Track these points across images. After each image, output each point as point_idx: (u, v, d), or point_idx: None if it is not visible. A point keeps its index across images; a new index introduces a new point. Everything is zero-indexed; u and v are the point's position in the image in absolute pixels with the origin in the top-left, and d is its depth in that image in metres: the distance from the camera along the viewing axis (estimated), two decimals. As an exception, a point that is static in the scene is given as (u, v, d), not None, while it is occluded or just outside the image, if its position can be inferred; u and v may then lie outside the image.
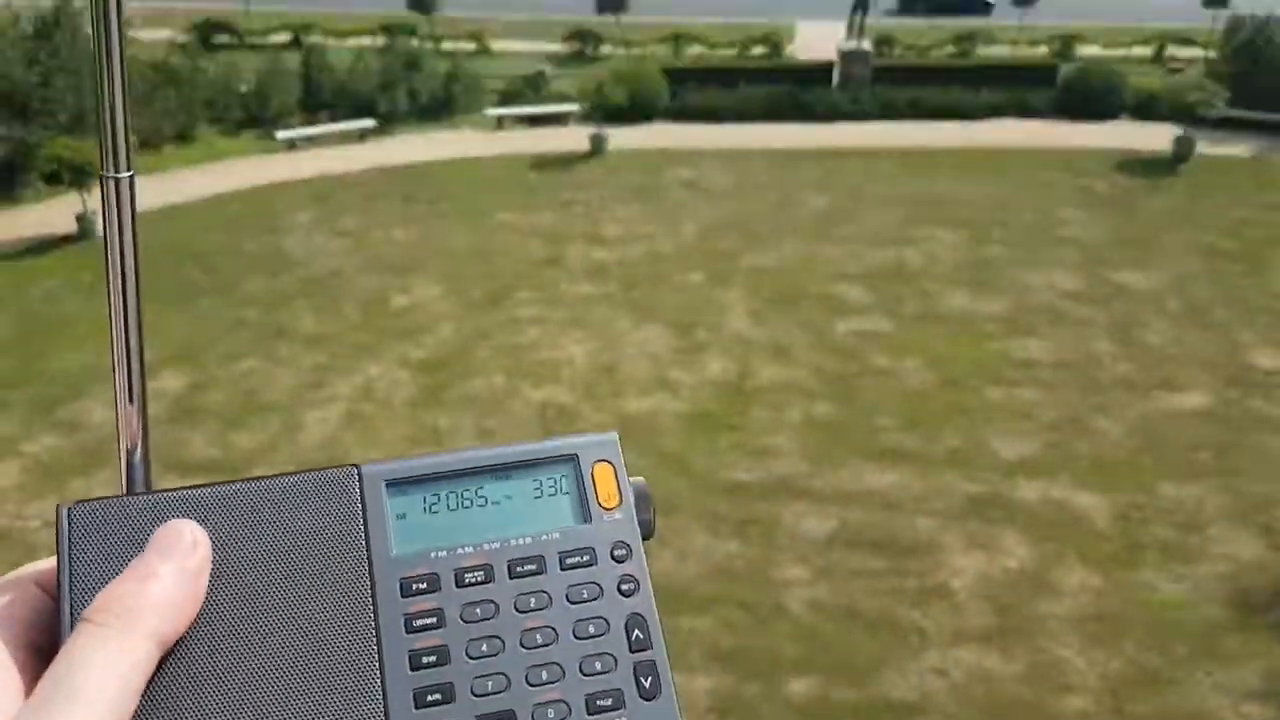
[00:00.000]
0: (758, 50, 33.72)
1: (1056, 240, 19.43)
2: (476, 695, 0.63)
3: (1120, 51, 32.17)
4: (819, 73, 29.10)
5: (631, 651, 0.66)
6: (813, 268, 18.35)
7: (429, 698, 0.62)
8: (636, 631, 0.67)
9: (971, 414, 13.60)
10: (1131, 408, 13.74)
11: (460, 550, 0.67)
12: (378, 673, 0.62)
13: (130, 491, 0.68)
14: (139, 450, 0.69)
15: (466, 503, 0.69)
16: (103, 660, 0.55)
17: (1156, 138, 24.33)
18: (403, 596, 0.65)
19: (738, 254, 18.92)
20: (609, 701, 0.65)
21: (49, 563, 0.64)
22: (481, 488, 0.70)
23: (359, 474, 0.68)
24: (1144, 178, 22.64)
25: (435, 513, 0.69)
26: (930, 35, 33.99)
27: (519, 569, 0.67)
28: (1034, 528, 11.21)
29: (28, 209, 21.16)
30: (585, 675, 0.65)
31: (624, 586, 0.68)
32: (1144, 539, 11.02)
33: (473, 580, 0.66)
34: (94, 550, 0.61)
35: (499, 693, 0.63)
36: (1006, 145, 24.83)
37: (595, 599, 0.67)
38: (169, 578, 0.59)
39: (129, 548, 0.61)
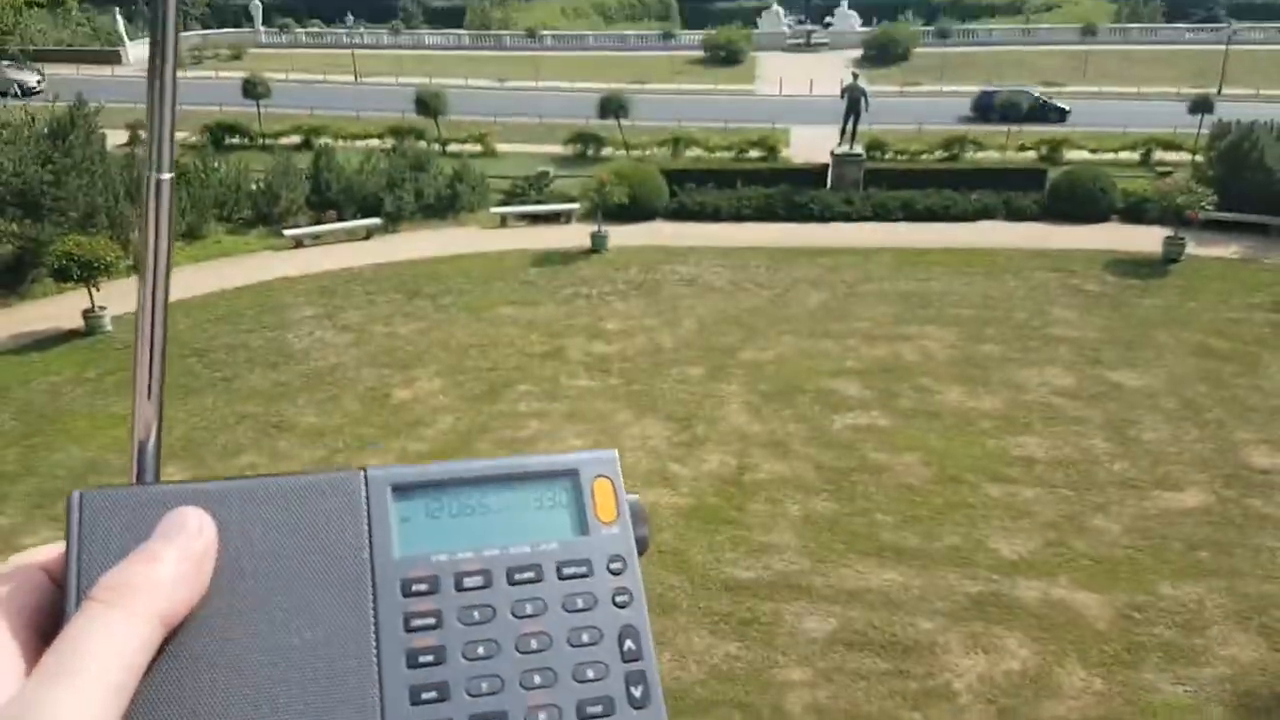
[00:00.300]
0: (754, 153, 34.48)
1: (1049, 339, 19.65)
2: (471, 695, 0.65)
3: (1108, 155, 32.93)
4: (813, 175, 29.75)
5: (624, 661, 0.68)
6: (810, 362, 18.54)
7: (424, 695, 0.64)
8: (629, 642, 0.69)
9: (970, 511, 13.64)
10: (1129, 506, 13.79)
11: (461, 555, 0.69)
12: (375, 668, 0.64)
13: (140, 482, 0.70)
14: (151, 443, 0.71)
15: (469, 510, 0.71)
16: (106, 637, 0.56)
17: (1146, 239, 24.77)
18: (403, 596, 0.67)
19: (736, 348, 19.13)
20: (599, 708, 0.66)
21: (56, 548, 0.65)
22: (484, 496, 0.72)
23: (365, 477, 0.70)
24: (1135, 278, 22.98)
25: (438, 518, 0.70)
26: (920, 140, 34.81)
27: (517, 576, 0.69)
28: (1035, 628, 11.17)
29: (37, 304, 21.42)
30: (578, 682, 0.67)
31: (618, 598, 0.70)
32: (1145, 640, 10.99)
33: (472, 585, 0.68)
34: (102, 536, 0.63)
35: (493, 694, 0.65)
36: (997, 246, 25.25)
37: (590, 609, 0.69)
38: (173, 560, 0.61)
39: (136, 534, 0.63)
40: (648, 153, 34.91)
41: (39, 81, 40.76)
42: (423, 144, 33.29)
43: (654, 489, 13.67)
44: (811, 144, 33.85)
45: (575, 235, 25.98)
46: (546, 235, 26.65)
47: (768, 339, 19.62)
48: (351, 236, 26.44)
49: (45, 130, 22.81)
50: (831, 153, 30.02)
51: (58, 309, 20.41)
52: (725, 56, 56.33)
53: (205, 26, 63.82)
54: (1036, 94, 41.37)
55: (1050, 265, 23.75)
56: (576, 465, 0.74)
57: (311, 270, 23.60)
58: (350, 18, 54.90)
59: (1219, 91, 39.47)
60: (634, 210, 26.68)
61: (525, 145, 36.87)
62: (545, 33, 62.28)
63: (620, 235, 25.51)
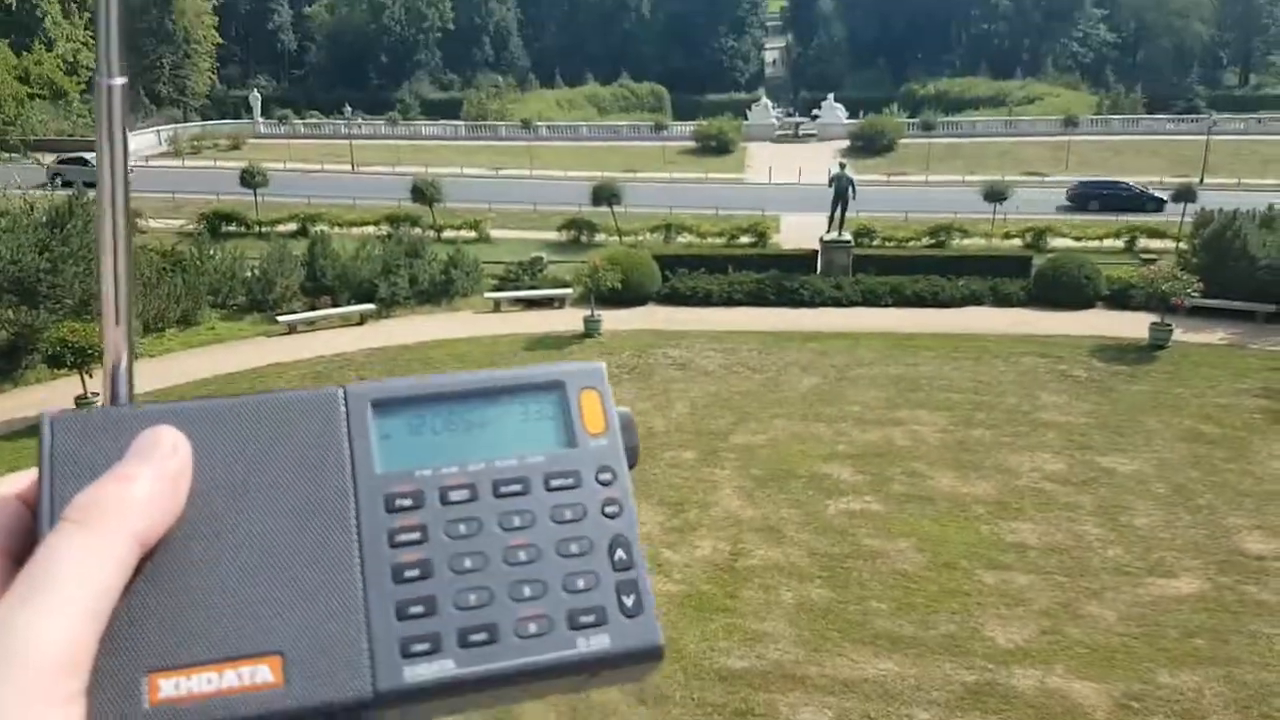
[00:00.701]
0: (745, 239, 34.96)
1: (1039, 424, 19.72)
2: (459, 608, 0.64)
3: (1092, 243, 33.45)
4: (803, 261, 30.16)
5: (615, 571, 0.67)
6: (802, 446, 18.56)
7: (410, 610, 0.63)
8: (619, 552, 0.68)
9: (965, 598, 13.55)
10: (1124, 593, 13.70)
11: (445, 470, 0.68)
12: (359, 585, 0.63)
13: (114, 403, 0.68)
14: (123, 367, 0.69)
15: (452, 425, 0.70)
16: (80, 556, 0.55)
17: (1132, 325, 25.03)
18: (386, 512, 0.65)
19: (728, 432, 19.16)
20: (592, 618, 0.65)
21: (29, 475, 0.63)
22: (468, 411, 0.70)
23: (344, 394, 0.68)
24: (1122, 364, 23.16)
25: (420, 434, 0.69)
26: (907, 228, 35.32)
27: (503, 489, 0.68)
28: (1032, 718, 11.04)
29: (29, 390, 21.43)
30: (568, 592, 0.66)
31: (608, 509, 0.69)
32: (1143, 728, 10.87)
33: (457, 499, 0.67)
34: (75, 458, 0.62)
35: (482, 606, 0.64)
36: (985, 331, 25.48)
37: (579, 520, 0.68)
38: (148, 479, 0.59)
39: (110, 455, 0.61)
40: (640, 239, 35.37)
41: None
42: (418, 231, 33.68)
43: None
44: (801, 231, 34.34)
45: (569, 320, 26.18)
46: (540, 320, 26.85)
47: (760, 422, 19.66)
48: (345, 322, 26.59)
49: (44, 219, 23.07)
50: (821, 239, 30.46)
51: (51, 394, 20.42)
52: (716, 146, 57.38)
53: (205, 118, 64.88)
54: (1134, 185, 41.96)
55: (1038, 351, 23.94)
56: (562, 377, 0.73)
57: (304, 356, 23.69)
58: (348, 109, 55.91)
59: (1201, 180, 40.26)
60: (627, 295, 26.94)
61: (520, 232, 37.33)
62: (540, 123, 63.42)
63: (613, 320, 25.72)
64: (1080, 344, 24.38)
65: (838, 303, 28.11)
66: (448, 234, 35.50)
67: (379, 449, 0.67)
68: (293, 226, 36.61)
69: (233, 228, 36.74)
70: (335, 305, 27.07)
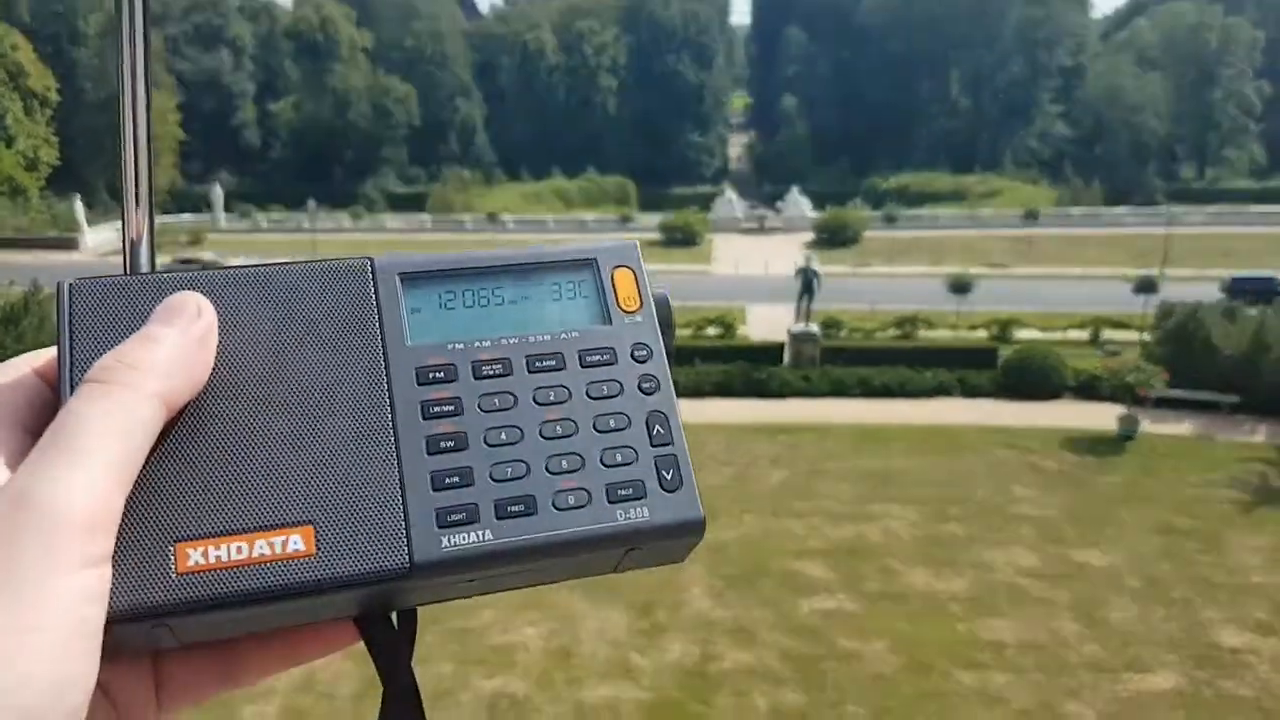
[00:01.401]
0: (712, 330, 34.98)
1: (1012, 517, 19.53)
2: (495, 480, 0.62)
3: (1057, 334, 33.71)
4: (771, 352, 30.13)
5: (653, 446, 0.66)
6: (773, 543, 18.22)
7: (447, 480, 0.61)
8: (658, 427, 0.66)
9: (942, 699, 13.16)
10: (1102, 690, 13.40)
11: (478, 343, 0.66)
12: (394, 455, 0.61)
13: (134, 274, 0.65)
14: (144, 241, 0.67)
15: (484, 300, 0.68)
16: (104, 415, 0.53)
17: (1099, 416, 25.07)
18: (418, 384, 0.63)
19: (697, 531, 18.77)
20: (630, 491, 0.64)
21: (48, 352, 0.61)
22: (499, 287, 0.68)
23: (372, 265, 0.66)
24: (1092, 455, 23.13)
25: (451, 309, 0.67)
26: (874, 319, 35.54)
27: (538, 364, 0.66)
28: (1017, 827, 10.63)
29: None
30: (606, 466, 0.64)
31: (645, 385, 0.68)
32: (1133, 838, 10.46)
33: (490, 373, 0.65)
34: (95, 324, 0.60)
35: (518, 478, 0.62)
36: (954, 423, 25.44)
37: (616, 395, 0.66)
38: (173, 341, 0.57)
39: (132, 322, 0.59)
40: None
41: None
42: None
43: (615, 682, 13.07)
44: (768, 322, 34.44)
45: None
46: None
47: (730, 518, 19.33)
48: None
49: (-2, 316, 22.65)
50: (788, 330, 30.52)
51: None
52: (682, 238, 57.96)
53: (166, 213, 64.83)
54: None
55: (1007, 443, 23.87)
56: (595, 254, 0.71)
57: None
58: (312, 203, 56.04)
59: (1162, 272, 40.93)
60: (592, 391, 26.69)
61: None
62: (506, 217, 63.89)
63: (579, 414, 25.43)
64: (1050, 435, 24.34)
65: (806, 394, 28.00)
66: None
67: (410, 321, 0.66)
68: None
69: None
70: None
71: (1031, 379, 27.57)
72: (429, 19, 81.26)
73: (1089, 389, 27.00)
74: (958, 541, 18.41)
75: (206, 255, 42.73)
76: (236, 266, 0.64)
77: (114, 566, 0.53)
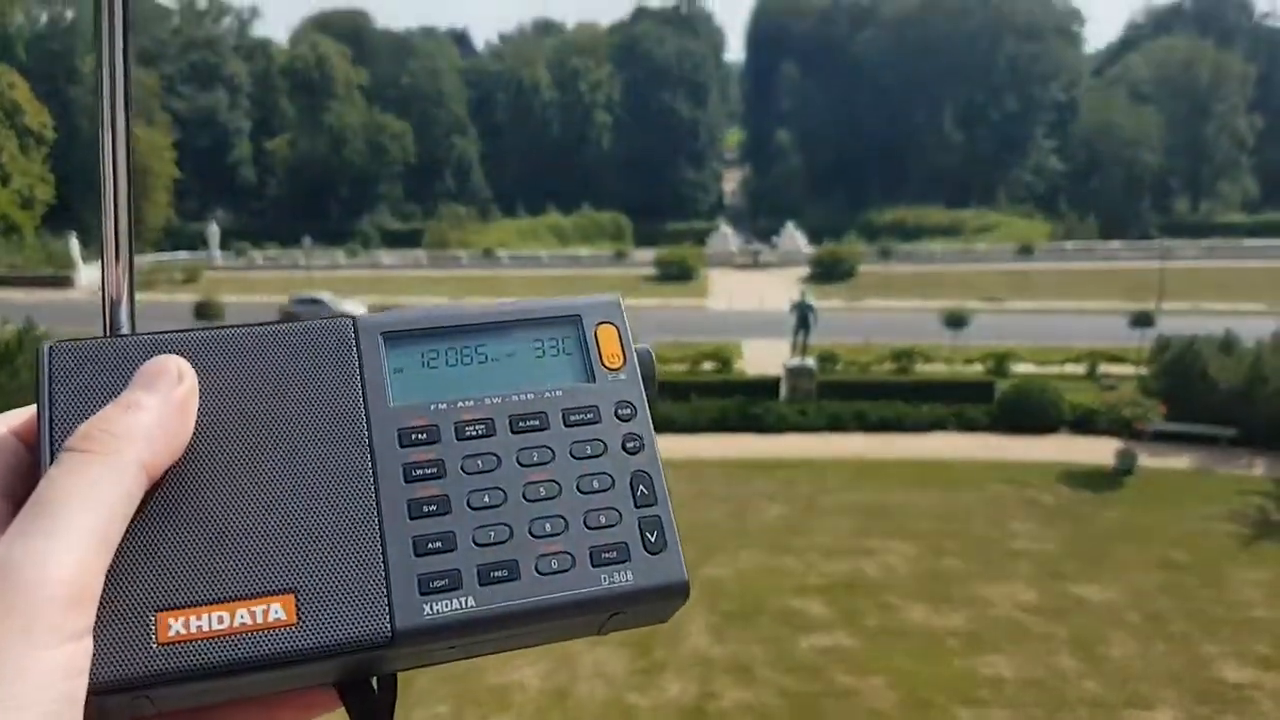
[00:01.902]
0: (708, 365, 34.97)
1: (1010, 553, 19.47)
2: (478, 544, 0.62)
3: (1053, 369, 33.74)
4: (767, 387, 30.12)
5: (637, 507, 0.65)
6: (771, 579, 18.14)
7: (429, 545, 0.61)
8: (641, 488, 0.66)
9: (943, 738, 13.09)
10: (1104, 729, 13.39)
11: (461, 403, 0.65)
12: (376, 520, 0.61)
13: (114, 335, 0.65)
14: (124, 300, 0.66)
15: (466, 359, 0.67)
16: (86, 485, 0.52)
17: (1097, 451, 25.04)
18: (401, 447, 0.63)
19: (694, 565, 18.24)
20: (613, 555, 0.64)
21: (26, 411, 0.61)
22: (482, 344, 0.68)
23: (354, 325, 0.66)
24: (1089, 490, 23.09)
25: (434, 367, 0.66)
26: (870, 353, 35.58)
27: (521, 424, 0.66)
28: None
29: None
30: (590, 528, 0.64)
31: (629, 444, 0.67)
32: None
33: (473, 433, 0.65)
34: (76, 388, 0.59)
35: (501, 543, 0.62)
36: (951, 458, 25.41)
37: (599, 455, 0.66)
38: (154, 407, 0.57)
39: (113, 386, 0.59)
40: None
41: None
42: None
43: (611, 721, 12.94)
44: (764, 356, 34.45)
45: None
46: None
47: (727, 554, 19.25)
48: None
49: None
50: (784, 365, 30.53)
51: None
52: (678, 273, 58.06)
53: (160, 250, 64.93)
54: None
55: (1005, 477, 23.83)
56: (579, 310, 0.71)
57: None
58: (307, 240, 56.19)
59: (1158, 306, 41.04)
60: (589, 424, 26.67)
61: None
62: (502, 253, 64.08)
63: (575, 450, 25.36)
64: (1047, 470, 24.30)
65: (803, 429, 27.96)
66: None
67: (392, 381, 0.65)
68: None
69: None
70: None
71: (1028, 413, 27.56)
72: (425, 57, 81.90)
73: (1086, 423, 26.99)
74: (956, 576, 18.33)
75: (322, 294, 41.83)
76: (218, 327, 0.64)
77: (95, 638, 0.52)
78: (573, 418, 0.67)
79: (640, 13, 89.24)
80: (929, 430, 27.79)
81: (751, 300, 47.91)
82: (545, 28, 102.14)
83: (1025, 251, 58.90)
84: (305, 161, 76.27)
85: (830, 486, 23.34)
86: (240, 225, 71.87)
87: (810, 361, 30.59)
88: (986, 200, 77.52)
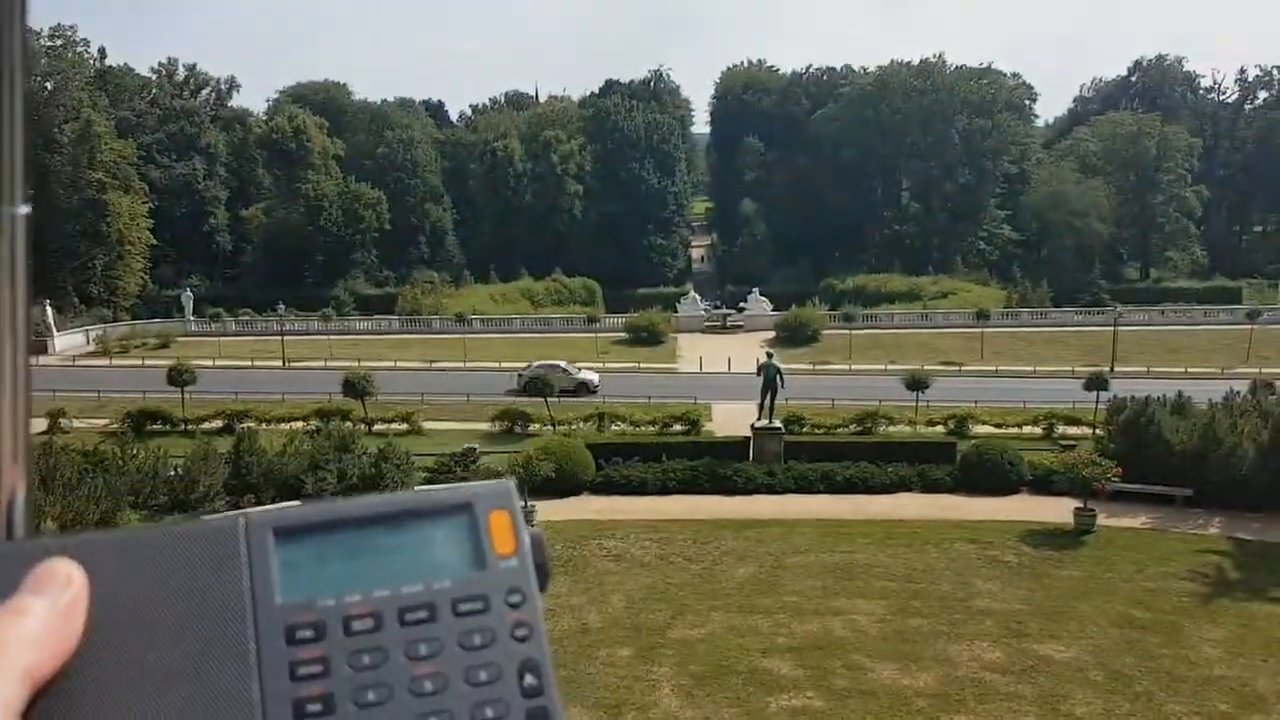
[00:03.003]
0: (678, 427, 35.31)
1: (975, 611, 19.75)
2: None
3: (1012, 430, 34.37)
4: (735, 448, 30.50)
5: (524, 697, 0.64)
6: (741, 640, 18.30)
7: None
8: (529, 677, 0.65)
9: (910, 794, 13.25)
10: (1069, 784, 13.56)
11: (349, 598, 0.65)
12: None
13: (9, 538, 0.66)
14: (20, 501, 0.66)
15: (358, 551, 0.67)
16: None
17: (1056, 510, 25.51)
18: (288, 645, 0.63)
19: (665, 626, 18.85)
20: None
21: None
22: (375, 536, 0.68)
23: (245, 522, 0.66)
24: (1050, 548, 23.47)
25: (325, 561, 0.66)
26: (835, 415, 36.06)
27: (409, 616, 0.65)
28: None
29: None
30: None
31: (518, 633, 0.67)
32: None
33: (361, 629, 0.64)
34: None
35: None
36: (915, 517, 25.77)
37: (488, 645, 0.66)
38: (41, 614, 0.57)
39: (2, 590, 0.59)
40: (574, 428, 35.53)
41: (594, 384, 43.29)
42: (349, 425, 33.48)
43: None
44: (732, 418, 34.85)
45: (501, 514, 25.82)
46: (472, 514, 26.43)
47: (698, 615, 19.41)
48: (272, 519, 25.91)
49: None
50: (752, 426, 30.93)
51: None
52: (647, 337, 58.65)
53: (135, 317, 64.69)
54: None
55: (968, 536, 24.21)
56: (471, 499, 0.71)
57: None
58: (281, 306, 56.27)
59: (1111, 369, 41.90)
60: (561, 484, 26.88)
61: (453, 423, 37.28)
62: (474, 317, 64.39)
63: (546, 510, 25.50)
64: (1009, 529, 24.73)
65: (771, 489, 28.34)
66: (379, 427, 35.35)
67: (281, 578, 0.65)
68: (219, 424, 36.14)
69: (158, 426, 36.15)
70: (259, 503, 26.46)
71: (989, 473, 28.10)
72: (401, 128, 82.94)
73: (1045, 483, 27.48)
74: (922, 635, 18.59)
75: (559, 361, 44.99)
76: (111, 531, 0.65)
77: None
78: (462, 608, 0.66)
79: (610, 86, 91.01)
80: (894, 490, 28.23)
81: (719, 363, 48.47)
82: (518, 100, 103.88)
83: (982, 316, 60.02)
84: (281, 229, 76.58)
85: (799, 546, 23.61)
86: (215, 292, 71.85)
87: (778, 423, 31.01)
88: (943, 267, 79.01)
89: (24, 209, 0.64)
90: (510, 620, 0.67)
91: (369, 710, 0.61)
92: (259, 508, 0.73)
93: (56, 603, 0.58)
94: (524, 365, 43.99)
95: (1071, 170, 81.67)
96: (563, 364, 44.32)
